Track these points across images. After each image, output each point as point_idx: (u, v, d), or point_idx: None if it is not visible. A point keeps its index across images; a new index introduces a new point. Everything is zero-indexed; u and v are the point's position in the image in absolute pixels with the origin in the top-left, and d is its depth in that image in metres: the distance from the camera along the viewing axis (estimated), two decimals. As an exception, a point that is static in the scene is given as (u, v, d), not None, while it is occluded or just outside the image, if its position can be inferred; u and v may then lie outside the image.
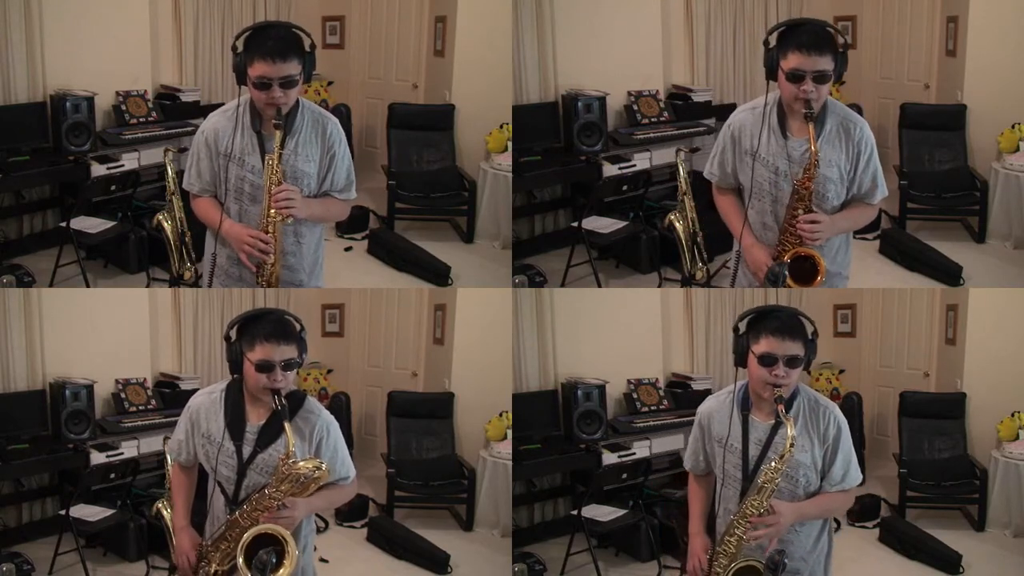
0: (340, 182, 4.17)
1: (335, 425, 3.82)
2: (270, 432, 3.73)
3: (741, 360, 3.79)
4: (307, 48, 3.98)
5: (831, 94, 4.08)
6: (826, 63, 3.93)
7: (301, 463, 3.65)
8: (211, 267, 4.22)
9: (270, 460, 3.72)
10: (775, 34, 3.99)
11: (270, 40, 3.93)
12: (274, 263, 4.08)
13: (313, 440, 3.76)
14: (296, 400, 3.78)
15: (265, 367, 3.68)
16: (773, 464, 3.70)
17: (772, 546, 3.74)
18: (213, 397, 3.81)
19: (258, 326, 3.71)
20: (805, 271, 4.09)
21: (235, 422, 3.75)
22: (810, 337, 3.76)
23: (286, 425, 3.66)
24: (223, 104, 4.20)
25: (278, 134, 3.97)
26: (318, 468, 3.67)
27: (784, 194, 4.05)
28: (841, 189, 4.07)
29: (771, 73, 4.01)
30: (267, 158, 4.00)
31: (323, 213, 4.19)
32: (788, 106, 4.03)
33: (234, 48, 3.99)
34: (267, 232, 4.04)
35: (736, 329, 3.81)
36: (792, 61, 3.93)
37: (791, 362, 3.71)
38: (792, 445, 3.68)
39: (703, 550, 3.90)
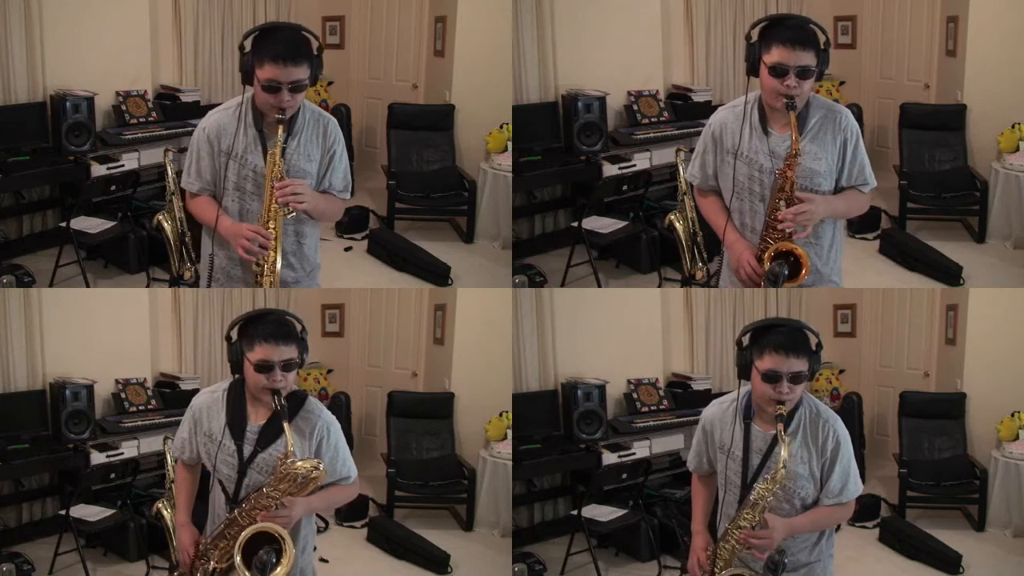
0: (338, 183, 4.18)
1: (336, 425, 3.83)
2: (270, 432, 3.74)
3: (744, 373, 3.75)
4: (315, 51, 3.98)
5: (831, 94, 4.07)
6: (809, 58, 3.89)
7: (299, 463, 3.66)
8: (209, 269, 4.21)
9: (270, 460, 3.73)
10: (757, 29, 3.96)
11: (281, 43, 3.91)
12: (274, 260, 4.07)
13: (313, 440, 3.76)
14: (297, 400, 3.79)
15: (264, 367, 3.68)
16: (765, 484, 3.69)
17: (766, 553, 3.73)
18: (215, 396, 3.82)
19: (258, 327, 3.71)
20: (790, 267, 4.04)
21: (236, 422, 3.76)
22: (814, 350, 3.71)
23: (286, 426, 3.66)
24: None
25: (280, 129, 3.97)
26: (316, 468, 3.67)
27: (768, 192, 4.01)
28: (830, 180, 4.04)
29: (753, 68, 3.99)
30: (269, 152, 4.00)
31: (326, 207, 4.18)
32: (769, 103, 3.99)
33: (241, 47, 3.96)
34: (268, 227, 4.04)
35: (739, 343, 3.76)
36: (775, 55, 3.90)
37: (795, 379, 3.67)
38: (784, 467, 3.65)
39: (703, 548, 3.90)
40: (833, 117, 4.02)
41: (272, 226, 4.04)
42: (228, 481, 3.77)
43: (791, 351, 3.66)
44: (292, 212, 4.04)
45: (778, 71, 3.90)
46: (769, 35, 3.93)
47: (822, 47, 3.91)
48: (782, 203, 3.98)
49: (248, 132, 4.05)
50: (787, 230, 3.99)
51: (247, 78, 3.98)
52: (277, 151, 3.98)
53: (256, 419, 3.76)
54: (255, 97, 4.02)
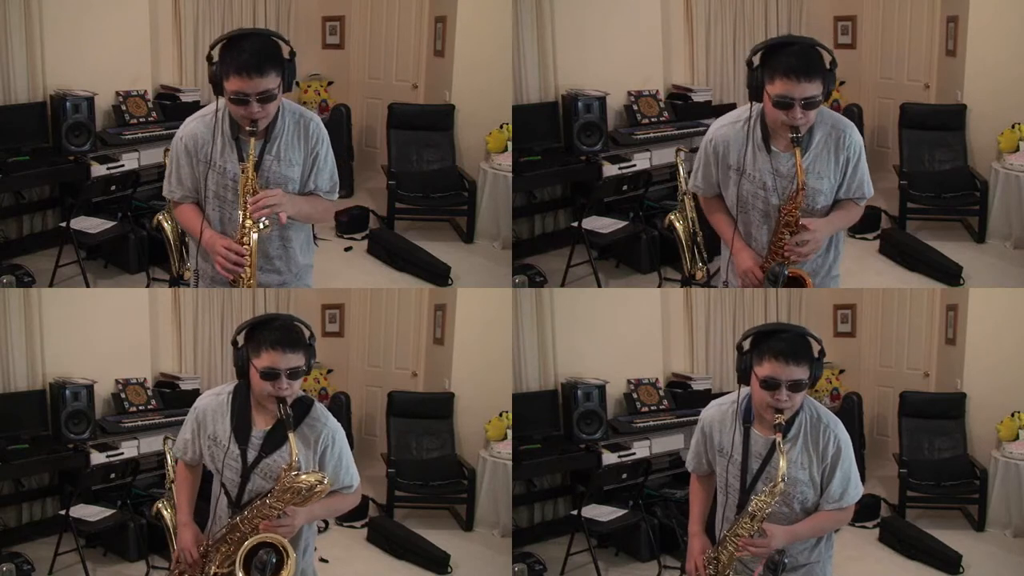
0: (324, 183, 4.06)
1: (341, 433, 3.79)
2: (275, 438, 3.72)
3: (744, 378, 3.71)
4: (286, 56, 3.84)
5: (831, 94, 4.01)
6: (815, 88, 3.75)
7: (303, 476, 3.63)
8: (196, 277, 4.15)
9: (274, 465, 3.71)
10: (759, 55, 3.81)
11: (245, 53, 3.77)
12: (250, 276, 3.97)
13: (318, 448, 3.74)
14: (303, 406, 3.76)
15: (270, 375, 3.65)
16: (763, 497, 3.66)
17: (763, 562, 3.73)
18: (220, 399, 3.79)
19: (265, 333, 3.66)
20: (791, 282, 4.03)
21: (241, 426, 3.73)
22: (816, 357, 3.66)
23: (291, 436, 3.64)
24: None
25: (253, 142, 3.86)
26: (320, 482, 3.64)
27: (773, 208, 3.96)
28: (830, 197, 3.99)
29: (755, 94, 3.85)
30: (241, 167, 3.90)
31: (310, 210, 4.07)
32: (773, 128, 3.90)
33: (209, 58, 3.85)
34: (242, 243, 3.93)
35: (740, 347, 3.72)
36: (779, 87, 3.76)
37: (794, 387, 3.62)
38: (783, 479, 3.63)
39: (700, 552, 3.88)
40: (837, 135, 3.92)
41: (247, 242, 3.93)
42: (231, 485, 3.75)
43: (791, 358, 3.61)
44: (268, 227, 3.92)
45: (783, 104, 3.77)
46: (772, 64, 3.77)
47: (828, 68, 3.78)
48: (787, 234, 3.94)
49: (225, 141, 3.95)
50: (791, 258, 3.97)
51: (217, 89, 3.85)
52: (250, 166, 3.87)
53: (261, 424, 3.74)
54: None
